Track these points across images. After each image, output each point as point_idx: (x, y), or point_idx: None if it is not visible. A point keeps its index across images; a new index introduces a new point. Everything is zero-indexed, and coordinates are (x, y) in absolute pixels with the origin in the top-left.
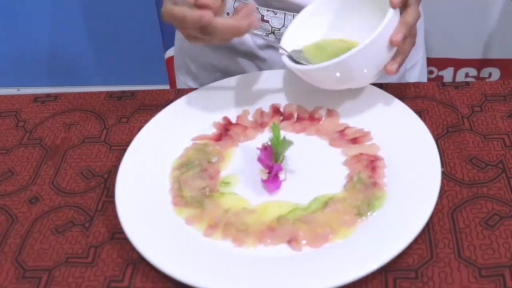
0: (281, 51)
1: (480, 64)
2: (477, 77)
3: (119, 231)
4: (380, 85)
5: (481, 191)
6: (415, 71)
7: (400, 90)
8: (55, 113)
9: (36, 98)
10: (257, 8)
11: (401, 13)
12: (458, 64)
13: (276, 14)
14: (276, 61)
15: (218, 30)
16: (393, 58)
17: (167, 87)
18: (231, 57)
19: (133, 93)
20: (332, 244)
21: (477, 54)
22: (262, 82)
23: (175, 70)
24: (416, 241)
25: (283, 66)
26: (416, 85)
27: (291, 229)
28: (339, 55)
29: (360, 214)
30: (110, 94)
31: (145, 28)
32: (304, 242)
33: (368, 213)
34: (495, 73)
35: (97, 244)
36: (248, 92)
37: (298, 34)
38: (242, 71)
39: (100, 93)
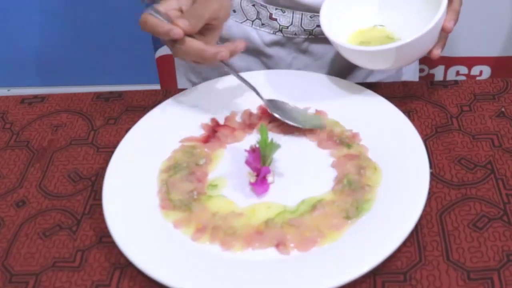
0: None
1: (470, 62)
2: (468, 75)
3: (107, 234)
4: (369, 86)
5: (469, 192)
6: (412, 65)
7: (388, 90)
8: (42, 115)
9: (23, 99)
10: (265, 7)
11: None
12: (448, 62)
13: (284, 12)
14: (282, 58)
15: (184, 48)
16: (438, 43)
17: (157, 86)
18: (237, 56)
19: (120, 94)
20: (320, 247)
21: (467, 52)
22: (250, 83)
23: (176, 67)
24: (404, 244)
25: (288, 63)
26: (405, 84)
27: (279, 233)
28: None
29: (348, 217)
30: (97, 95)
31: (135, 27)
32: (292, 245)
33: (357, 216)
34: (486, 71)
35: (84, 248)
36: (236, 93)
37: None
38: (247, 68)
39: (87, 94)
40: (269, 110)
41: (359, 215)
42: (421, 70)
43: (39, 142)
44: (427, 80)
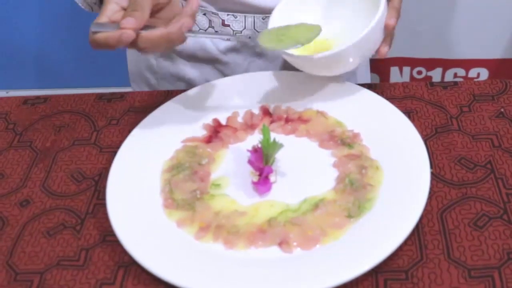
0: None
1: (468, 64)
2: (466, 78)
3: (111, 233)
4: (369, 86)
5: (470, 191)
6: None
7: (388, 91)
8: (45, 116)
9: (25, 100)
10: (217, 14)
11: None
12: (446, 64)
13: (236, 17)
14: (239, 64)
15: (148, 43)
16: (384, 41)
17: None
18: (192, 66)
19: (122, 95)
20: (323, 246)
21: (465, 55)
22: (251, 83)
23: (131, 84)
24: (406, 242)
25: (245, 69)
26: (405, 85)
27: (282, 231)
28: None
29: (350, 216)
30: (99, 96)
31: None
32: (295, 244)
33: (359, 215)
34: (484, 73)
35: (89, 246)
36: (237, 94)
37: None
38: (204, 79)
39: (89, 95)
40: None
41: (361, 214)
42: (419, 72)
43: (42, 142)
44: (426, 81)
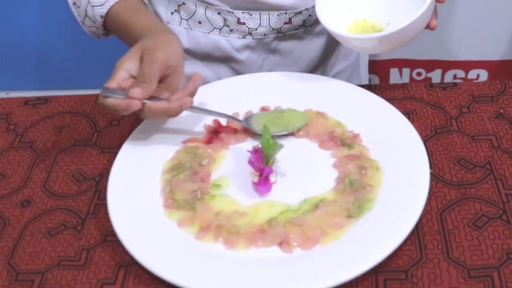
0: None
1: (468, 65)
2: (465, 79)
3: (111, 233)
4: (369, 87)
5: (469, 192)
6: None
7: (388, 92)
8: (46, 116)
9: (27, 101)
10: (232, 12)
11: None
12: (446, 65)
13: (251, 15)
14: (253, 61)
15: (150, 114)
16: (433, 16)
17: None
18: (206, 65)
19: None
20: (323, 246)
21: (465, 56)
22: (252, 84)
23: None
24: (405, 242)
25: (259, 66)
26: (404, 86)
27: (282, 231)
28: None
29: (350, 216)
30: None
31: None
32: (295, 244)
33: (358, 215)
34: (483, 75)
35: (89, 246)
36: (238, 95)
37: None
38: (217, 77)
39: (90, 95)
40: (250, 129)
41: (361, 214)
42: (418, 74)
43: (43, 143)
44: (425, 82)
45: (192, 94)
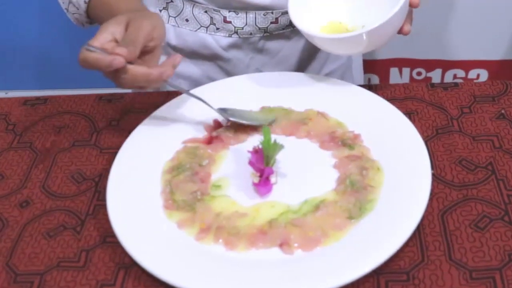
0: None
1: (468, 65)
2: (465, 79)
3: (111, 234)
4: (369, 87)
5: (471, 193)
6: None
7: (389, 92)
8: (45, 116)
9: (25, 101)
10: (218, 11)
11: None
12: (446, 65)
13: (237, 14)
14: (240, 60)
15: (129, 75)
16: (407, 20)
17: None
18: (194, 63)
19: (122, 95)
20: (324, 247)
21: (465, 56)
22: (252, 84)
23: None
24: (407, 243)
25: (246, 65)
26: (405, 86)
27: (283, 233)
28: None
29: (351, 217)
30: (100, 97)
31: None
32: (296, 245)
33: (360, 216)
34: (483, 75)
35: (89, 248)
36: (238, 95)
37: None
38: (205, 76)
39: (90, 95)
40: (223, 117)
41: (362, 215)
42: (418, 74)
43: (42, 143)
44: (426, 82)
45: (173, 67)
